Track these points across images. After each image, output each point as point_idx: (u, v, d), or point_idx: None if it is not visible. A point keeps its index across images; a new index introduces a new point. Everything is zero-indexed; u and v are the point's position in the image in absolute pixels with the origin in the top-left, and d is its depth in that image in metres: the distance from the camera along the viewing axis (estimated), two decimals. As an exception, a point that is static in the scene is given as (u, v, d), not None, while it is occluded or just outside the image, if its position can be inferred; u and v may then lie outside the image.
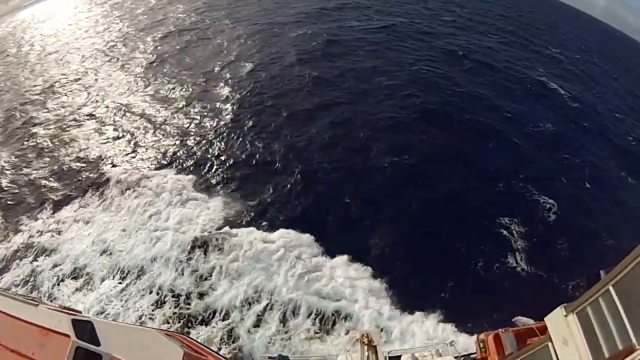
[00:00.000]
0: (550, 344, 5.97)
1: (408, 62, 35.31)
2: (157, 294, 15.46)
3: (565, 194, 22.44)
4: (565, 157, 26.18)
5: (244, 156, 23.04)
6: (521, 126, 28.50)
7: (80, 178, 22.78)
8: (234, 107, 27.68)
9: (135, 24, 48.15)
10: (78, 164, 24.11)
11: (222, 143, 24.29)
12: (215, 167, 22.37)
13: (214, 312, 14.74)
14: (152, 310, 14.88)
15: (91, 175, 22.78)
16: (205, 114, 27.56)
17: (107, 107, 30.07)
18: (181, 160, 23.13)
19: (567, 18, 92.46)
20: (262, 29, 42.32)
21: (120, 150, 24.84)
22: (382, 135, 24.56)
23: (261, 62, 34.03)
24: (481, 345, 8.62)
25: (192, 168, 22.44)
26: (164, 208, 19.20)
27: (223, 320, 14.49)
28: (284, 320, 14.34)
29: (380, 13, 49.36)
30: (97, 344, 6.23)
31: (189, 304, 15.03)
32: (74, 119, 29.29)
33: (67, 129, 28.21)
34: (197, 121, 26.81)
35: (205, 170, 22.14)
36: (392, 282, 15.68)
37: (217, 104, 28.39)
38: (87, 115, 29.44)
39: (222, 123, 26.11)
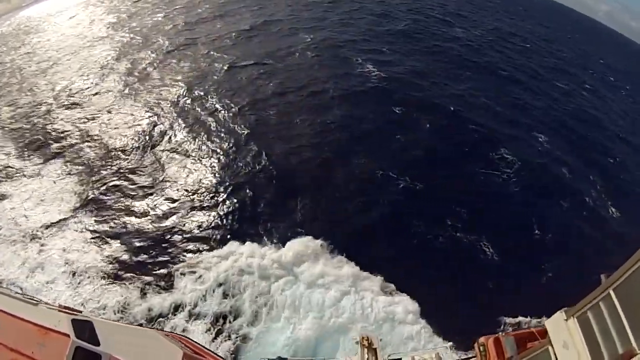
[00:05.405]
0: (550, 347, 5.93)
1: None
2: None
3: (566, 199, 22.38)
4: (565, 163, 26.13)
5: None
6: (510, 128, 28.48)
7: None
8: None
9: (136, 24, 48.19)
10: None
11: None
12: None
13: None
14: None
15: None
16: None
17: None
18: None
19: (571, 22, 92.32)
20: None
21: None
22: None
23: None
24: (481, 348, 8.55)
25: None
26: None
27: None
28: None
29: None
30: (97, 344, 6.22)
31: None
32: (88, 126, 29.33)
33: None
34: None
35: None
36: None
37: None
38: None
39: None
